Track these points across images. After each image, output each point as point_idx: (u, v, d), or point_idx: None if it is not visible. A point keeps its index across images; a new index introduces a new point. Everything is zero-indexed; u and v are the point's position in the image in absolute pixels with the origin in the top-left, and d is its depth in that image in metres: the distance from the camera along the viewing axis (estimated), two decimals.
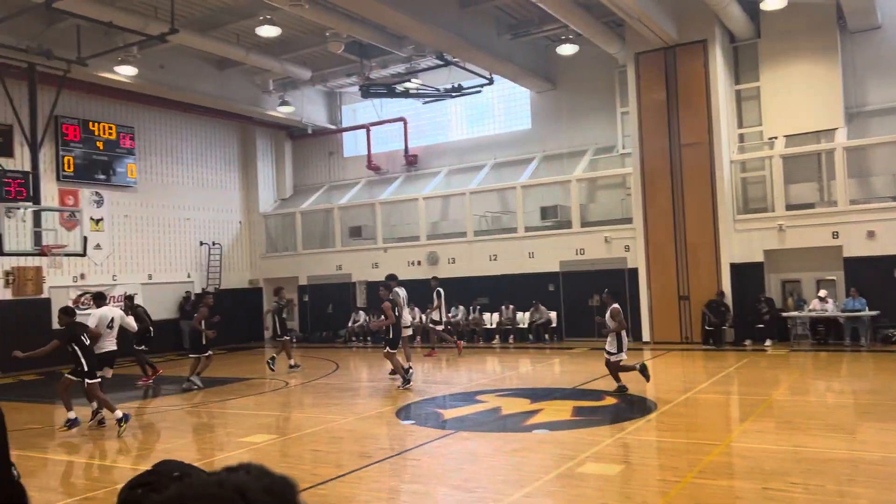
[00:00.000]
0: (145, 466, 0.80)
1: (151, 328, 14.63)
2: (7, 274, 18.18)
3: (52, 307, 18.23)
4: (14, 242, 15.52)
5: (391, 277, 14.68)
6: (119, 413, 9.85)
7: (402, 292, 14.21)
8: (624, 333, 11.19)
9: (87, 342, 10.09)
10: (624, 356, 11.22)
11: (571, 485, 6.67)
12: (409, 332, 14.62)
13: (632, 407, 10.45)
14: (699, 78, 17.63)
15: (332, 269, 23.38)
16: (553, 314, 19.68)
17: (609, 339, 11.24)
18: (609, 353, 11.21)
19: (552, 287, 19.82)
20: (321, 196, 25.04)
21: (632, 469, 7.16)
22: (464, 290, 20.51)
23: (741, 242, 17.59)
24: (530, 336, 19.76)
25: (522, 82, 21.06)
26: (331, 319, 23.25)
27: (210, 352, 14.00)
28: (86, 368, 9.92)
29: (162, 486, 0.76)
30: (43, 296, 18.81)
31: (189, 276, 22.92)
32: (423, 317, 19.30)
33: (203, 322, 13.86)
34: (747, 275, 17.52)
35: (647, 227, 18.21)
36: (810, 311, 16.44)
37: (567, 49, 18.93)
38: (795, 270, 17.57)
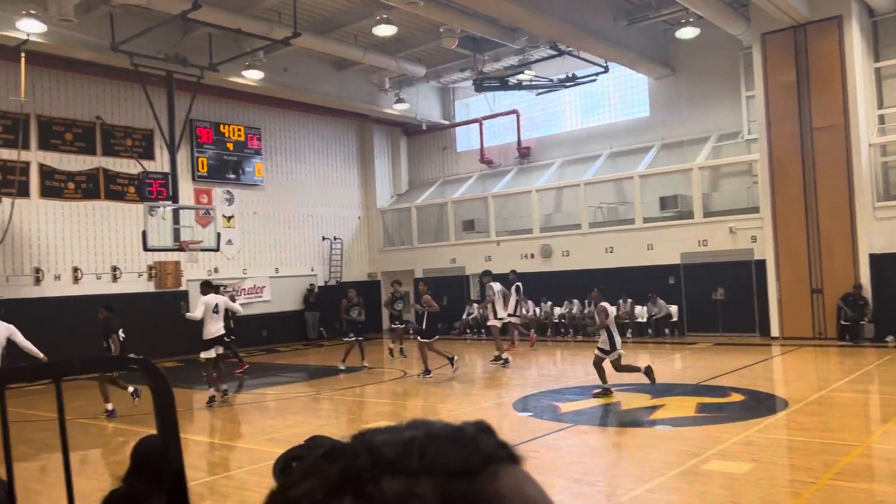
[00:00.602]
0: (278, 449, 0.86)
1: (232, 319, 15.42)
2: (150, 268, 19.66)
3: (189, 299, 19.56)
4: (156, 239, 16.73)
5: (486, 273, 15.75)
6: (110, 406, 10.59)
7: (496, 286, 14.59)
8: (614, 331, 10.84)
9: (122, 339, 10.67)
10: (619, 353, 10.81)
11: (697, 482, 6.48)
12: (499, 324, 14.93)
13: (760, 404, 9.99)
14: (833, 57, 16.50)
15: (447, 262, 23.67)
16: (674, 308, 19.05)
17: (601, 336, 10.93)
18: (603, 351, 10.86)
19: (672, 280, 19.19)
20: (435, 191, 25.40)
21: (761, 468, 6.84)
22: (578, 283, 20.22)
23: (882, 231, 16.34)
24: (649, 331, 19.23)
25: (640, 69, 20.46)
26: (445, 312, 23.52)
27: (352, 337, 15.30)
28: None
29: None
30: (181, 288, 20.19)
31: (312, 270, 23.91)
32: (537, 310, 19.22)
33: (344, 312, 15.40)
34: (889, 266, 16.26)
35: (775, 216, 17.27)
36: None
37: (687, 33, 18.21)
38: None
